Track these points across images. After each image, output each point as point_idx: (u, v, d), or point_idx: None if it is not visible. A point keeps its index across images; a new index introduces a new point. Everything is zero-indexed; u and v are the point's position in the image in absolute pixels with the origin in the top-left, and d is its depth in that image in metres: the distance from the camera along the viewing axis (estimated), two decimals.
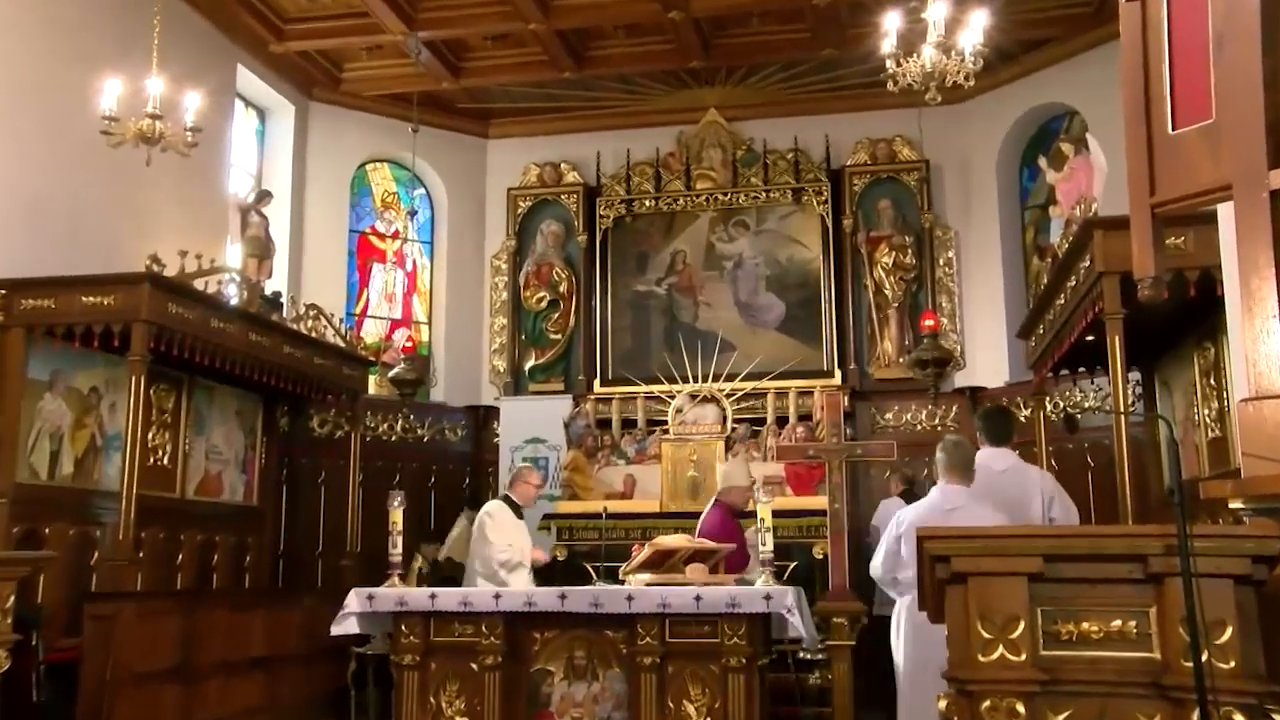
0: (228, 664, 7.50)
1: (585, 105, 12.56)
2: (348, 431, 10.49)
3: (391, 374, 11.17)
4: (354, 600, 6.15)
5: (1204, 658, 2.75)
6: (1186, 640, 2.81)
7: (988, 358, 11.39)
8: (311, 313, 9.55)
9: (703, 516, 7.38)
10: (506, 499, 7.64)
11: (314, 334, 9.47)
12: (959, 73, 7.09)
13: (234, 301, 8.46)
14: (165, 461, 8.53)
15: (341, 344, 9.94)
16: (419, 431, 12.01)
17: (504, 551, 7.18)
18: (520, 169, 12.79)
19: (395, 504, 6.40)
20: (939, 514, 5.29)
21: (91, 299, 7.22)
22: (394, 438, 11.84)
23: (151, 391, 8.15)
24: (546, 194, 12.68)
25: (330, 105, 12.01)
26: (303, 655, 8.29)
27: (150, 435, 8.27)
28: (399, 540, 6.37)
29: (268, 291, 9.61)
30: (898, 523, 5.51)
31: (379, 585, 6.23)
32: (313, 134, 11.94)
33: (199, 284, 8.19)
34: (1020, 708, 2.94)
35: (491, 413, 12.33)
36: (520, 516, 7.54)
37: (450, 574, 9.33)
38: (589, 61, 11.45)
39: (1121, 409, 5.87)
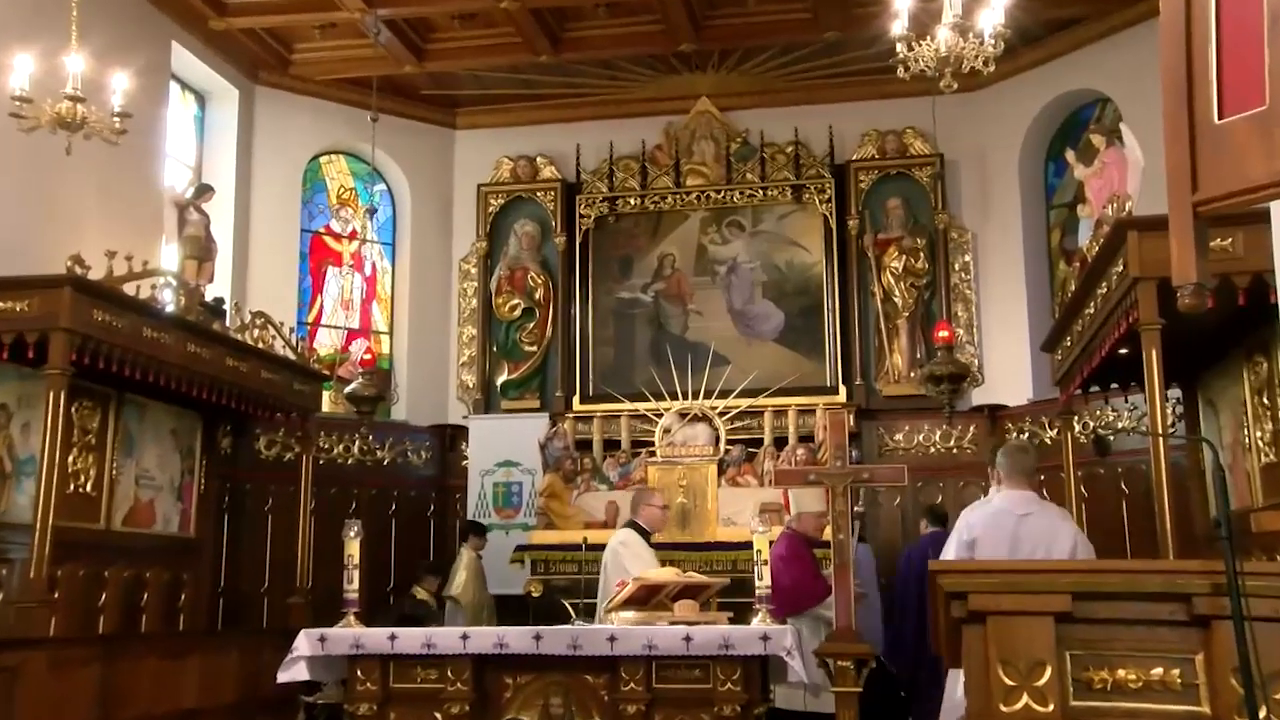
0: (154, 718, 7.38)
1: (563, 93, 12.53)
2: (298, 454, 10.40)
3: (348, 390, 11.11)
4: (304, 642, 6.08)
5: (1262, 714, 2.70)
6: (1240, 693, 2.76)
7: (1008, 373, 11.38)
8: (258, 321, 9.48)
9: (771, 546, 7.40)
10: (634, 525, 7.55)
11: (261, 345, 9.39)
12: (977, 57, 7.08)
13: (170, 308, 8.37)
14: (88, 488, 8.38)
15: (292, 356, 9.87)
16: (378, 454, 11.94)
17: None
18: (491, 163, 12.75)
19: (351, 534, 6.33)
20: (1011, 519, 5.41)
21: (2, 304, 7.10)
22: (350, 461, 11.76)
23: (73, 409, 7.97)
24: (521, 191, 12.65)
25: (279, 90, 11.95)
26: (243, 706, 8.19)
27: (70, 459, 8.08)
28: (355, 575, 6.30)
29: (208, 297, 9.54)
30: (968, 527, 5.59)
31: (332, 625, 6.16)
32: (259, 122, 11.89)
33: (129, 288, 8.07)
34: None
35: (459, 433, 12.27)
36: (651, 544, 7.49)
37: (412, 613, 9.25)
38: (567, 44, 11.43)
39: (1159, 430, 5.84)
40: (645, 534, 7.46)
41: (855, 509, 9.09)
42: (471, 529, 10.66)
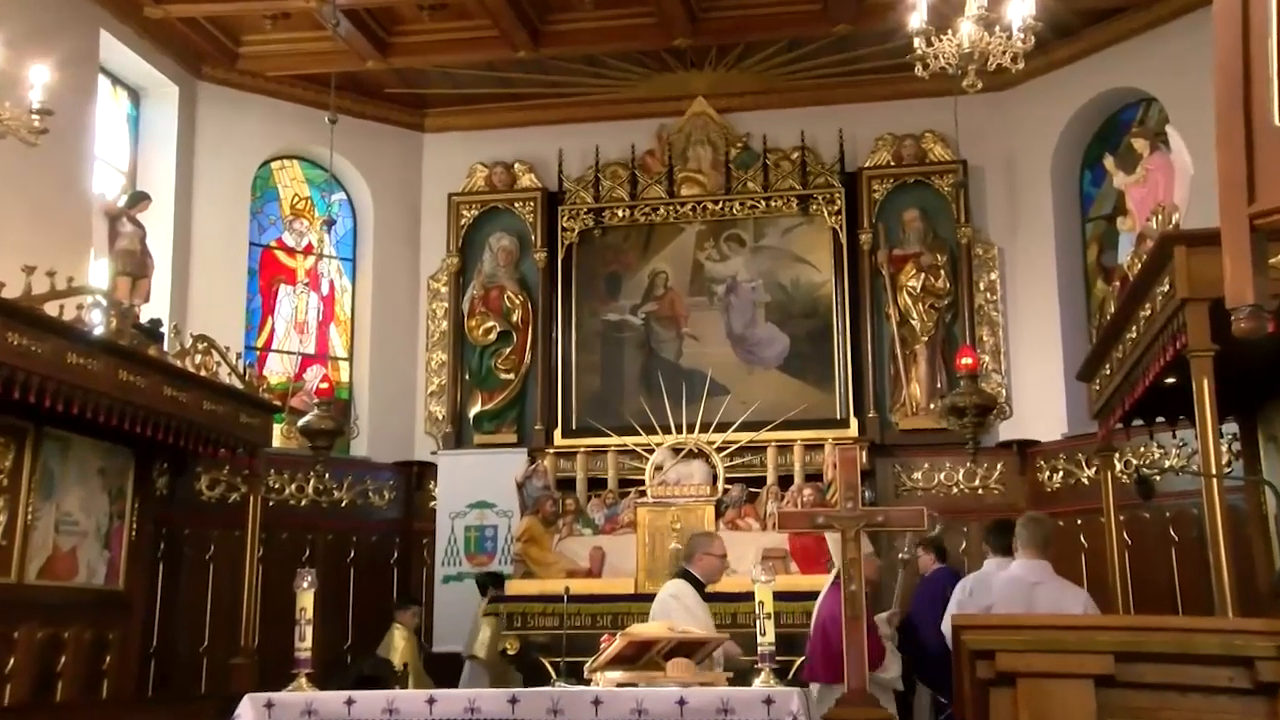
0: None
1: (544, 92, 12.54)
2: (245, 494, 10.33)
3: (302, 422, 11.02)
4: (248, 709, 5.99)
5: None
6: None
7: (1040, 404, 11.38)
8: (201, 346, 9.42)
9: (821, 599, 7.40)
10: (686, 575, 7.41)
11: (203, 372, 9.33)
12: (1004, 53, 7.09)
13: (99, 331, 8.31)
14: None
15: (238, 385, 9.81)
16: (336, 494, 11.87)
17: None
18: (464, 169, 12.77)
19: (305, 585, 6.26)
20: (1024, 588, 5.70)
21: None
22: (304, 502, 11.70)
23: None
24: (497, 201, 12.66)
25: (225, 87, 11.95)
26: None
27: None
28: (308, 631, 6.22)
29: (143, 319, 9.47)
30: (985, 591, 5.92)
31: (282, 689, 6.08)
32: (202, 123, 11.87)
33: (51, 308, 7.97)
34: None
35: (427, 470, 12.23)
36: (705, 598, 7.36)
37: (373, 674, 9.17)
38: (549, 38, 11.45)
39: (1213, 470, 5.79)
40: (699, 585, 7.33)
41: (928, 534, 9.11)
42: (490, 583, 10.60)
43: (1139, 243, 10.85)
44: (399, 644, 10.39)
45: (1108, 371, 7.79)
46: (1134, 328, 6.90)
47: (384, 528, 12.16)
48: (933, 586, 8.99)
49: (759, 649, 6.01)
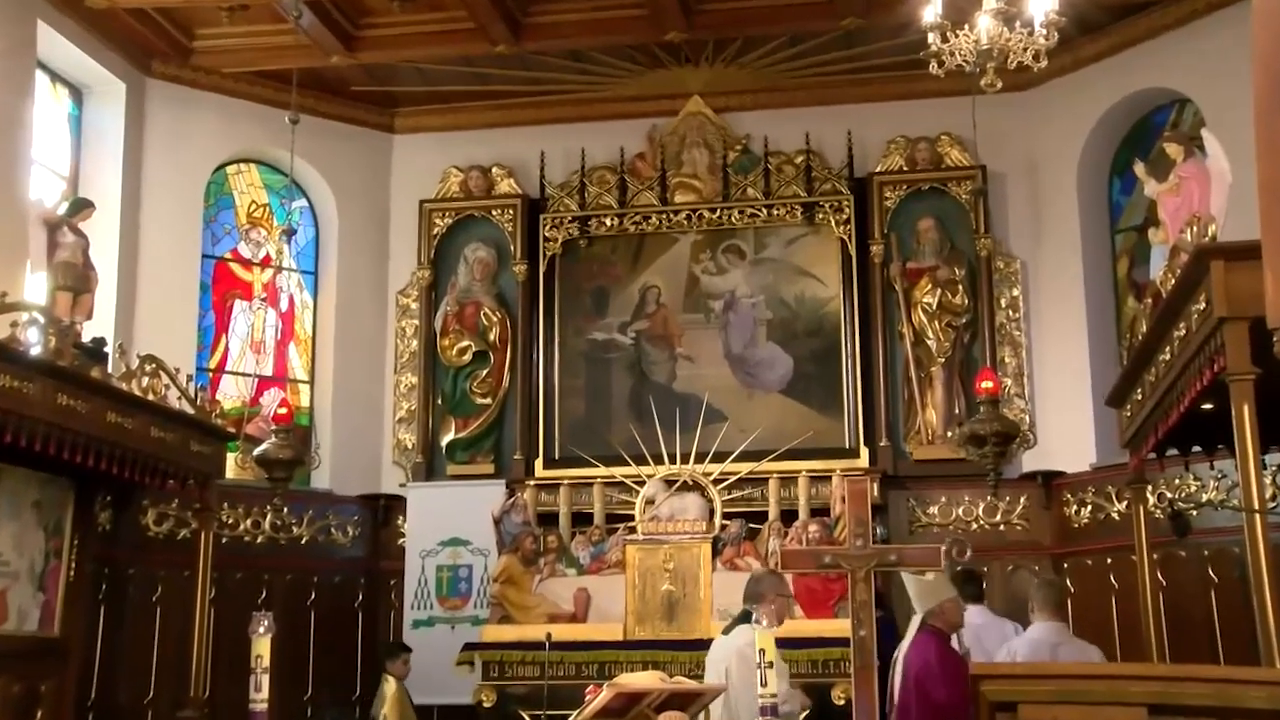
0: None
1: (525, 90, 12.57)
2: (196, 530, 10.26)
3: (258, 451, 10.97)
4: None
5: None
6: None
7: (1067, 432, 11.39)
8: (148, 367, 9.39)
9: (907, 650, 7.34)
10: (748, 618, 7.35)
11: (151, 396, 9.30)
12: (1025, 50, 7.12)
13: (35, 350, 8.28)
14: None
15: (189, 410, 9.78)
16: (295, 530, 11.84)
17: (786, 702, 6.92)
18: (437, 174, 12.79)
19: (261, 629, 6.22)
20: (1046, 649, 6.01)
21: None
22: (260, 538, 11.66)
23: None
24: (472, 208, 12.67)
25: (176, 85, 11.95)
26: None
27: None
28: (264, 681, 6.18)
29: (86, 337, 9.43)
30: (1009, 653, 6.06)
31: None
32: (151, 123, 11.87)
33: None
34: None
35: (395, 504, 12.21)
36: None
37: None
38: (530, 31, 11.47)
39: (1256, 505, 5.80)
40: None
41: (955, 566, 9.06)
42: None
43: (1172, 256, 10.82)
44: (388, 695, 10.33)
45: (1139, 397, 7.80)
46: (1167, 349, 6.92)
47: (348, 567, 12.12)
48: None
49: (759, 701, 5.99)
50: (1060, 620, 6.99)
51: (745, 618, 7.27)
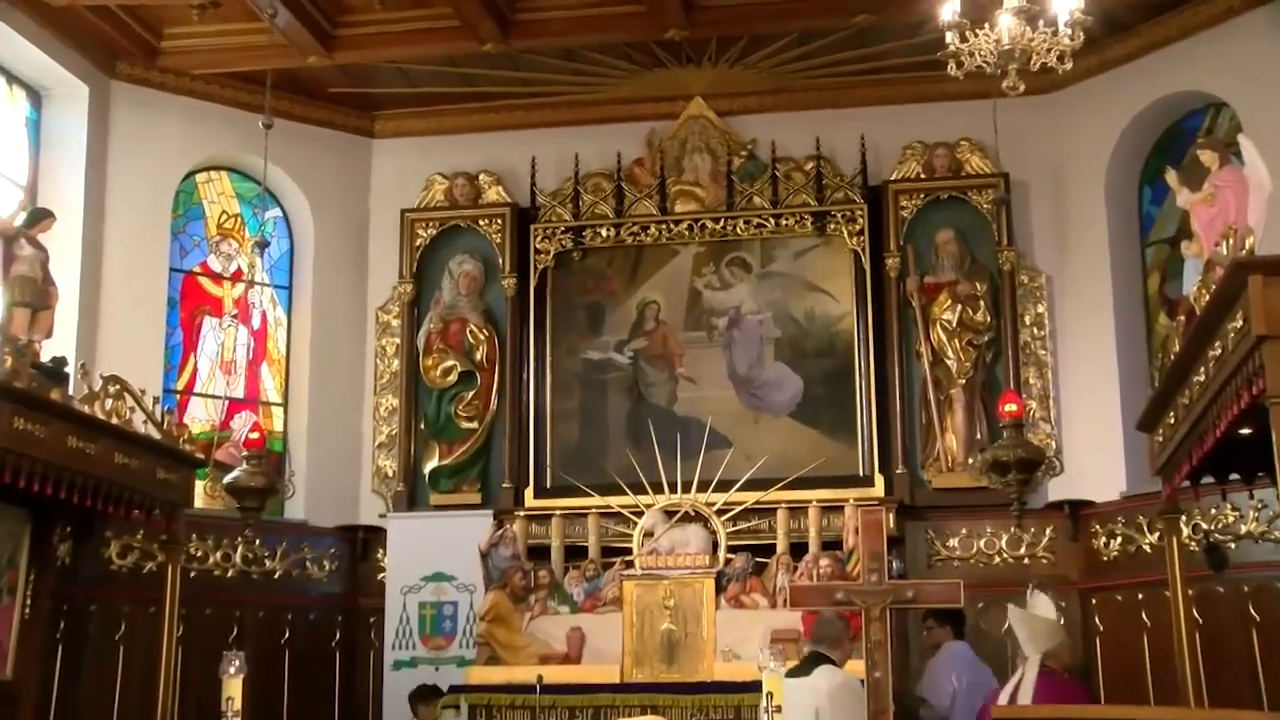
0: None
1: (514, 92, 12.62)
2: (162, 563, 10.28)
3: (228, 479, 10.98)
4: None
5: None
6: None
7: (1095, 459, 11.40)
8: (112, 388, 9.41)
9: (1025, 688, 7.40)
10: (822, 657, 7.46)
11: (115, 419, 9.32)
12: (1049, 51, 7.17)
13: None
14: None
15: (156, 434, 9.80)
16: (268, 564, 11.84)
17: None
18: (420, 181, 12.82)
19: (231, 670, 6.28)
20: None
21: None
22: (231, 572, 11.65)
23: None
24: (458, 218, 12.70)
25: (143, 87, 11.98)
26: None
27: None
28: None
29: (45, 357, 9.46)
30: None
31: None
32: (116, 128, 11.90)
33: None
34: None
35: (375, 536, 12.21)
36: None
37: None
38: (520, 29, 11.52)
39: None
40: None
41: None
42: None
43: (1207, 270, 10.87)
44: None
45: (1172, 421, 7.82)
46: (1202, 369, 6.94)
47: (324, 603, 12.12)
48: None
49: None
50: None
51: (816, 659, 7.34)
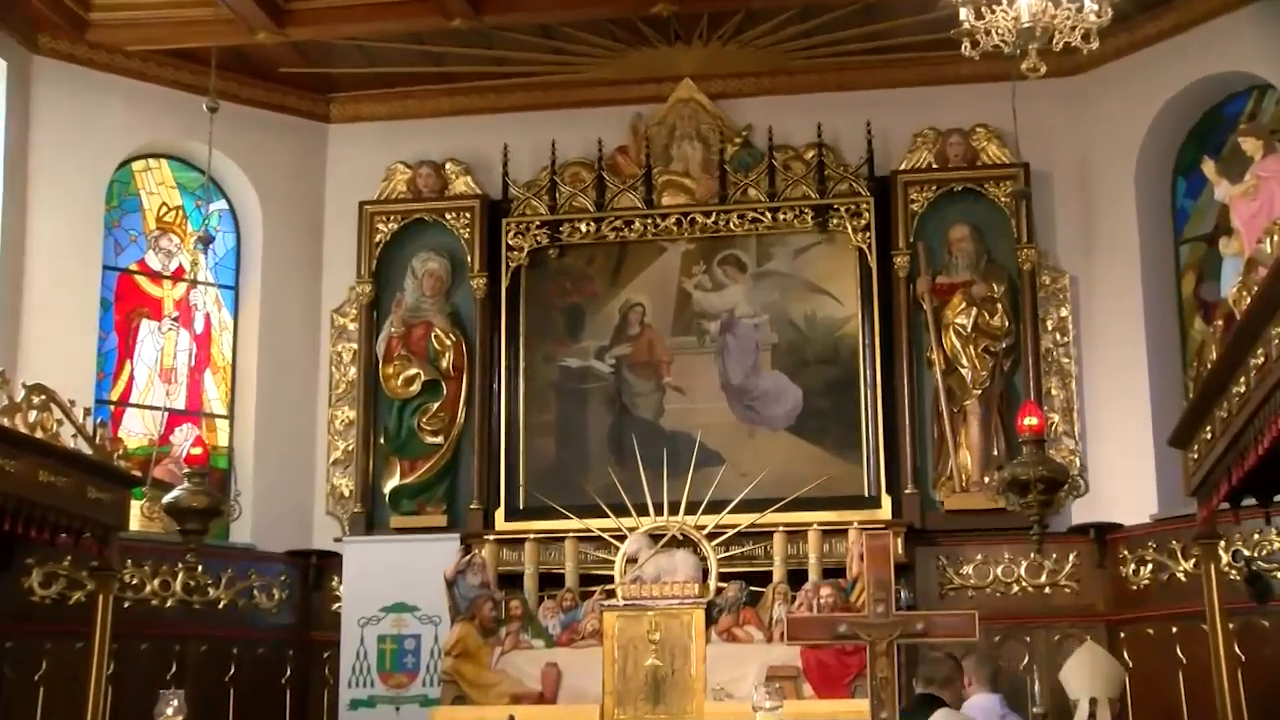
0: None
1: (486, 73, 12.61)
2: (92, 593, 10.24)
3: (168, 499, 10.94)
4: None
5: None
6: None
7: (1124, 477, 11.40)
8: (36, 399, 9.36)
9: None
10: (934, 700, 7.45)
11: (40, 433, 9.27)
12: (1074, 29, 7.17)
13: None
14: None
15: (86, 450, 9.74)
16: (211, 592, 11.79)
17: None
18: (380, 171, 12.82)
19: (170, 710, 6.24)
20: None
21: None
22: (170, 602, 11.60)
23: None
24: (423, 212, 12.69)
25: (71, 64, 11.92)
26: None
27: None
28: None
29: None
30: None
31: None
32: (40, 110, 11.84)
33: None
34: None
35: (330, 563, 12.18)
36: None
37: None
38: (493, 3, 11.50)
39: None
40: None
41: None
42: None
43: (1247, 270, 10.86)
44: None
45: (1209, 436, 7.81)
46: (1243, 379, 6.94)
47: (274, 636, 12.09)
48: None
49: None
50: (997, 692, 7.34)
51: (928, 701, 7.33)
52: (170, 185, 12.80)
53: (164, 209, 12.75)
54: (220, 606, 11.87)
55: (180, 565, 11.39)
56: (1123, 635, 11.10)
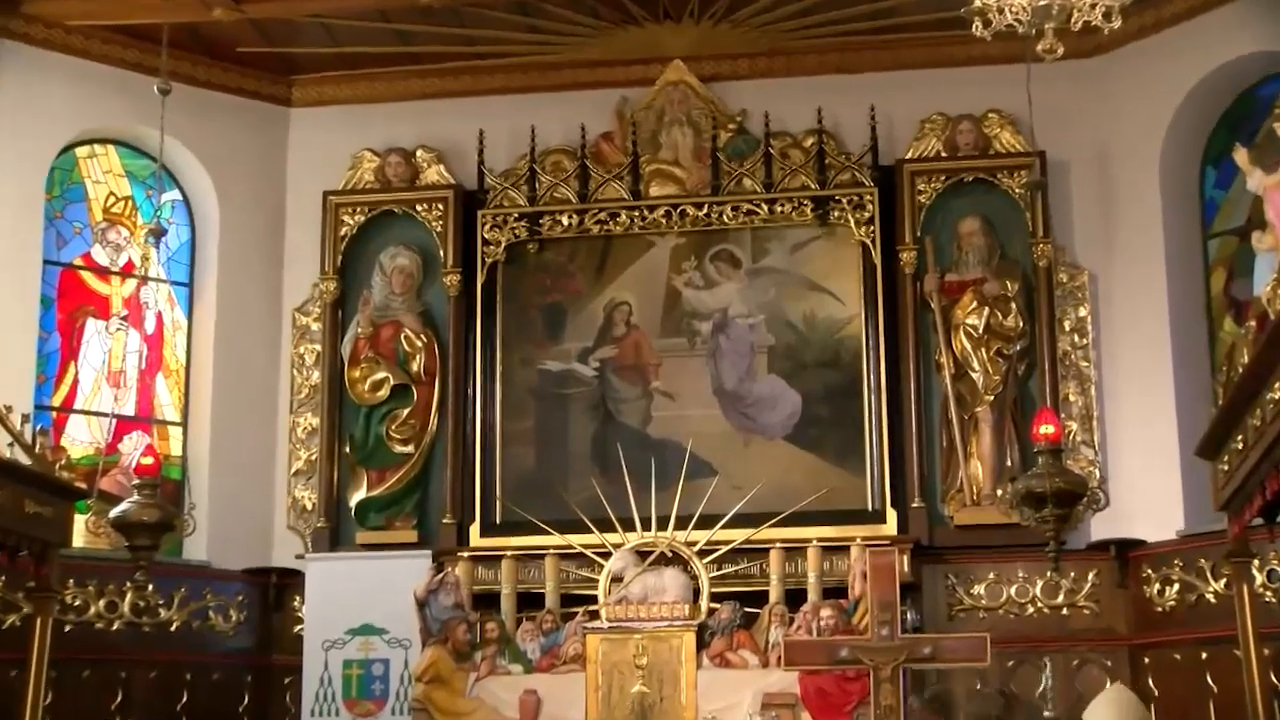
0: None
1: (459, 53, 12.62)
2: (30, 615, 10.18)
3: (116, 512, 10.89)
4: None
5: None
6: None
7: (1147, 490, 11.40)
8: None
9: None
10: None
11: None
12: (1095, 6, 7.14)
13: None
14: None
15: (25, 460, 9.70)
16: (163, 614, 11.76)
17: None
18: (346, 159, 12.82)
19: None
20: None
21: None
22: (117, 625, 11.56)
23: None
24: (392, 203, 12.67)
25: (8, 40, 11.86)
26: None
27: None
28: None
29: None
30: None
31: None
32: None
33: None
34: None
35: (291, 581, 12.17)
36: None
37: None
38: None
39: None
40: None
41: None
42: None
43: None
44: None
45: (1240, 446, 7.79)
46: (1277, 385, 6.92)
47: (230, 661, 12.07)
48: None
49: None
50: None
51: None
52: (118, 173, 12.76)
53: (111, 199, 12.71)
54: (172, 629, 11.84)
55: (128, 585, 11.39)
56: (1147, 661, 11.08)
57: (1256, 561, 9.09)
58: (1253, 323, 11.04)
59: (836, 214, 12.10)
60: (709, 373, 12.16)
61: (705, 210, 12.27)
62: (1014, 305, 11.79)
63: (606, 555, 11.17)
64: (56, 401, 12.14)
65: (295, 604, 12.05)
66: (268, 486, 12.54)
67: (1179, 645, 10.90)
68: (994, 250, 11.98)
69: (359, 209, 12.68)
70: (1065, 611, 11.35)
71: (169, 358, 12.73)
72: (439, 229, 12.53)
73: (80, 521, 11.14)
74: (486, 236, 12.39)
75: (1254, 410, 7.42)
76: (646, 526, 11.29)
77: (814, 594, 10.88)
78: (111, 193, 12.72)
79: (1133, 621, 11.27)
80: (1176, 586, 10.99)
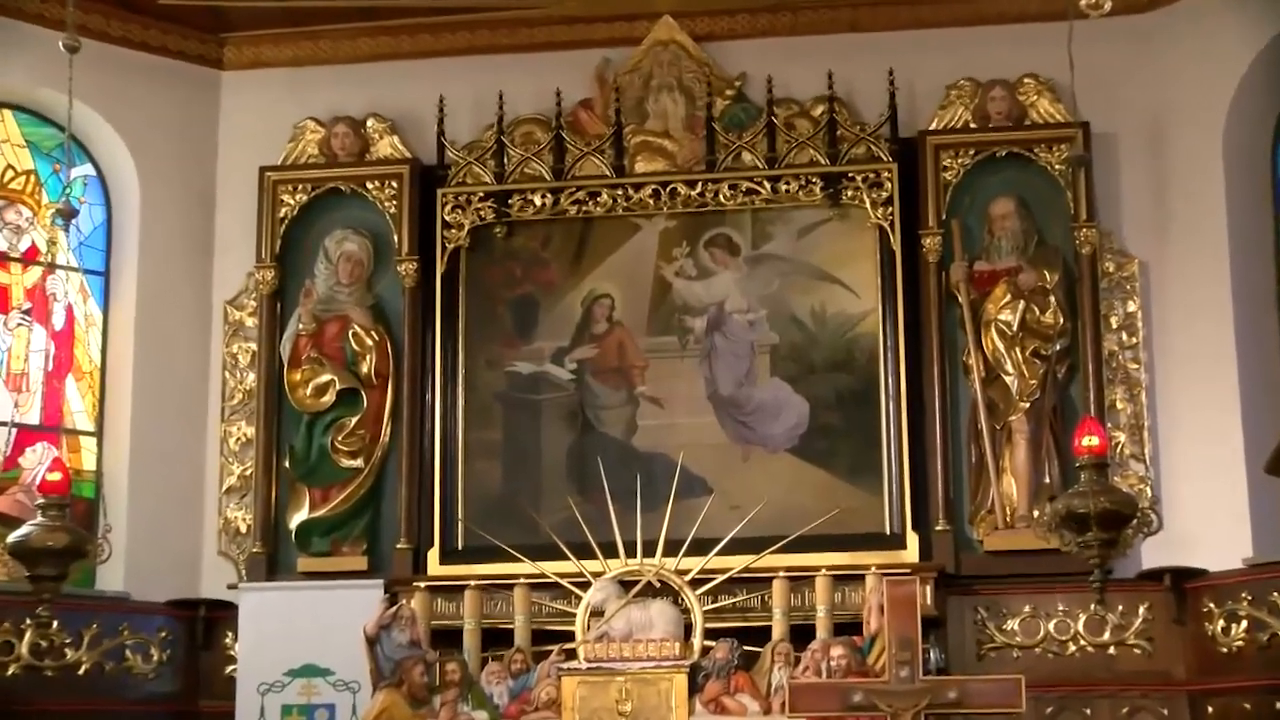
0: None
1: (416, 7, 12.61)
2: None
3: (15, 537, 10.89)
4: None
5: None
6: None
7: (1207, 512, 11.40)
8: None
9: None
10: None
11: None
12: None
13: None
14: None
15: None
16: (70, 654, 11.74)
17: None
18: (286, 129, 12.83)
19: None
20: None
21: None
22: (13, 669, 11.53)
23: None
24: (338, 179, 12.69)
25: None
26: None
27: None
28: None
29: None
30: None
31: None
32: None
33: None
34: None
35: (223, 616, 12.17)
36: None
37: None
38: None
39: None
40: None
41: None
42: None
43: None
44: None
45: None
46: None
47: (152, 708, 12.08)
48: None
49: None
50: None
51: None
52: (19, 144, 12.78)
53: (11, 174, 12.72)
54: (81, 672, 11.79)
55: (29, 621, 11.31)
56: (1210, 710, 11.06)
57: None
58: None
59: (850, 193, 12.11)
60: (702, 376, 12.18)
61: (699, 189, 12.28)
62: (1053, 299, 11.78)
63: (585, 585, 11.17)
64: None
65: (227, 641, 12.05)
66: (195, 506, 12.55)
67: (1248, 693, 10.86)
68: (1030, 235, 11.98)
69: (300, 187, 12.69)
70: (1112, 651, 11.34)
71: (81, 358, 12.75)
72: (392, 210, 12.54)
73: None
74: (447, 219, 12.40)
75: None
76: (631, 552, 11.31)
77: (823, 630, 10.86)
78: (10, 166, 12.72)
79: (1192, 664, 11.25)
80: (1244, 624, 10.96)
